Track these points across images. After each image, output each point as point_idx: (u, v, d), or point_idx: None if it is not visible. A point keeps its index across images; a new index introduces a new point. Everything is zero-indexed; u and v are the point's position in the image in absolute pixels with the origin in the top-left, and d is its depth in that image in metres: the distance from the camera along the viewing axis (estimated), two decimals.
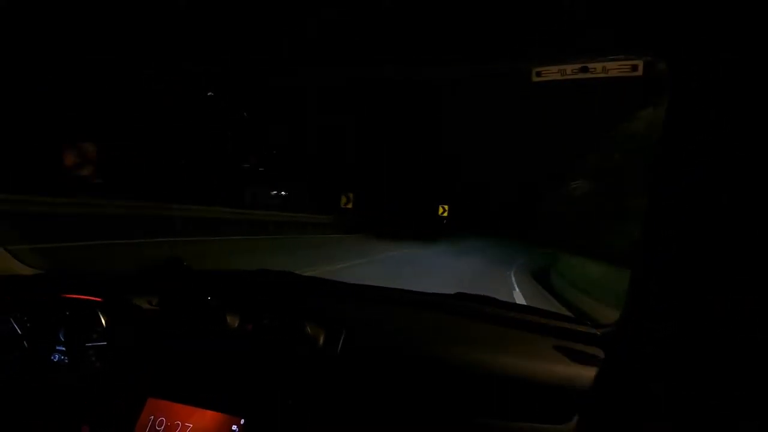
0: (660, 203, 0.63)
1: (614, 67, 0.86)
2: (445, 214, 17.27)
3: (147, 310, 0.98)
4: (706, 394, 0.55)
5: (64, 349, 0.95)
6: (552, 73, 0.93)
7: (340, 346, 0.87)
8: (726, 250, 0.54)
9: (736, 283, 0.53)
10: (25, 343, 0.96)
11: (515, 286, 6.76)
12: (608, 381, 0.71)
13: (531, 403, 0.76)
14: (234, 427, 0.79)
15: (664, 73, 0.68)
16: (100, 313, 0.97)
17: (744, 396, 0.51)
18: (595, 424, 0.70)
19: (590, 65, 0.89)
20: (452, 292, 1.09)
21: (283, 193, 16.59)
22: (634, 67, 0.85)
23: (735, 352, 0.53)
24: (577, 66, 0.89)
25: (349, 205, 14.48)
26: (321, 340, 0.88)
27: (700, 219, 0.57)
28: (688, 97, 0.60)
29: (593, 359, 0.80)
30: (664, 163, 0.63)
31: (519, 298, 5.56)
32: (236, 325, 0.92)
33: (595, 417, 0.70)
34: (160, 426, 0.81)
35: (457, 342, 0.88)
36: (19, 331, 0.97)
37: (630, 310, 0.70)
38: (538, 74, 0.94)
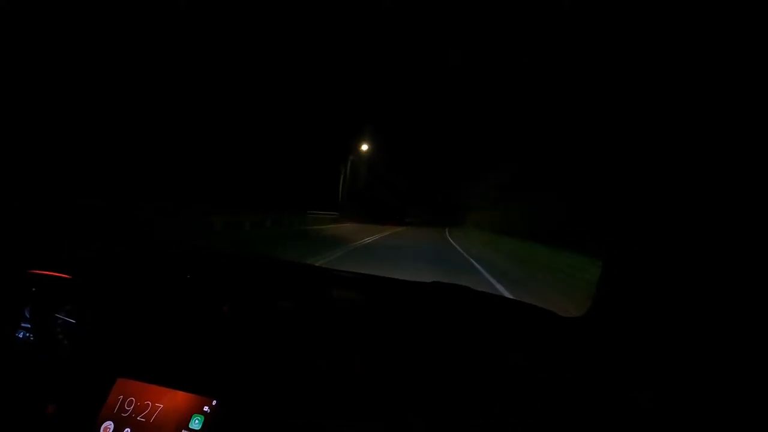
0: (633, 204, 0.66)
1: None
2: None
3: (119, 288, 0.96)
4: (679, 365, 0.59)
5: (29, 326, 0.93)
6: None
7: (313, 329, 0.88)
8: (692, 243, 0.57)
9: (699, 271, 0.56)
10: None
11: None
12: (586, 362, 0.74)
13: (508, 391, 0.78)
14: (206, 408, 0.79)
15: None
16: (68, 291, 0.94)
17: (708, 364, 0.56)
18: (577, 401, 0.73)
19: None
20: (429, 281, 1.10)
21: None
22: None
23: (699, 328, 0.57)
24: None
25: None
26: (295, 324, 0.88)
27: (667, 217, 0.60)
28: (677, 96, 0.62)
29: (566, 345, 0.83)
30: (640, 167, 0.65)
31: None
32: (211, 305, 0.91)
33: (577, 394, 0.73)
34: (129, 406, 0.80)
35: (432, 330, 0.89)
36: None
37: (603, 299, 0.74)
38: None
